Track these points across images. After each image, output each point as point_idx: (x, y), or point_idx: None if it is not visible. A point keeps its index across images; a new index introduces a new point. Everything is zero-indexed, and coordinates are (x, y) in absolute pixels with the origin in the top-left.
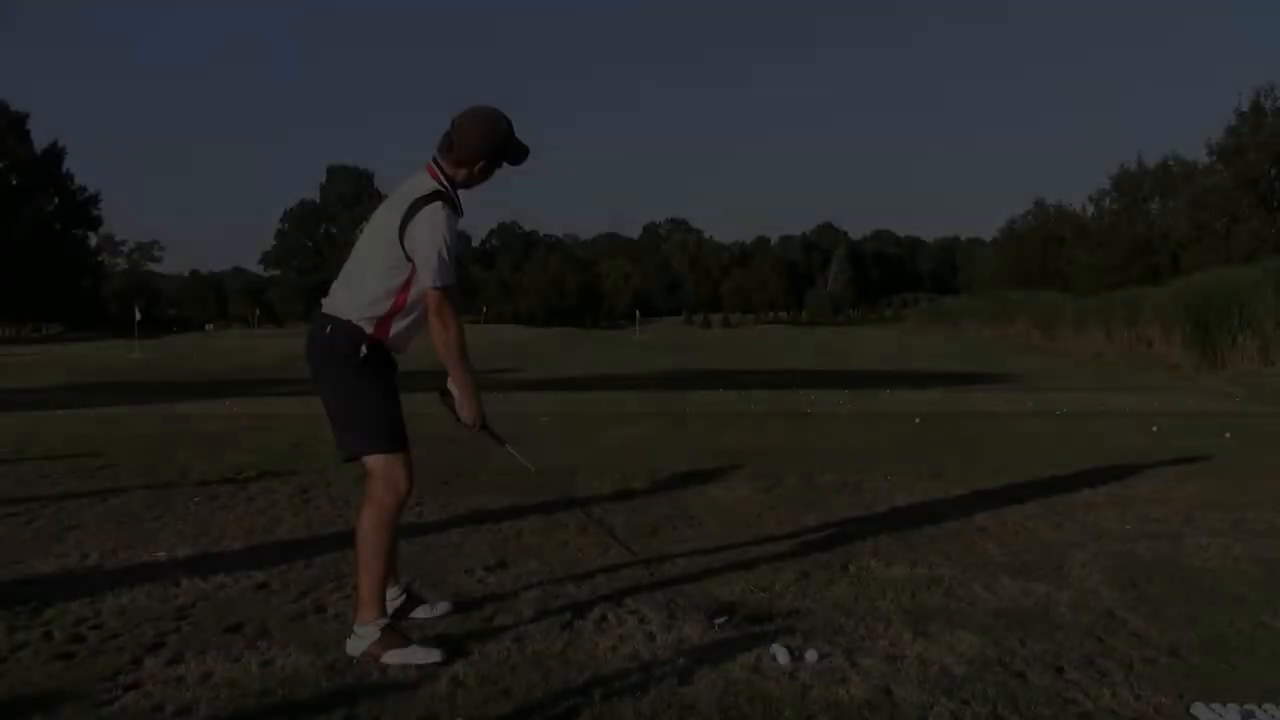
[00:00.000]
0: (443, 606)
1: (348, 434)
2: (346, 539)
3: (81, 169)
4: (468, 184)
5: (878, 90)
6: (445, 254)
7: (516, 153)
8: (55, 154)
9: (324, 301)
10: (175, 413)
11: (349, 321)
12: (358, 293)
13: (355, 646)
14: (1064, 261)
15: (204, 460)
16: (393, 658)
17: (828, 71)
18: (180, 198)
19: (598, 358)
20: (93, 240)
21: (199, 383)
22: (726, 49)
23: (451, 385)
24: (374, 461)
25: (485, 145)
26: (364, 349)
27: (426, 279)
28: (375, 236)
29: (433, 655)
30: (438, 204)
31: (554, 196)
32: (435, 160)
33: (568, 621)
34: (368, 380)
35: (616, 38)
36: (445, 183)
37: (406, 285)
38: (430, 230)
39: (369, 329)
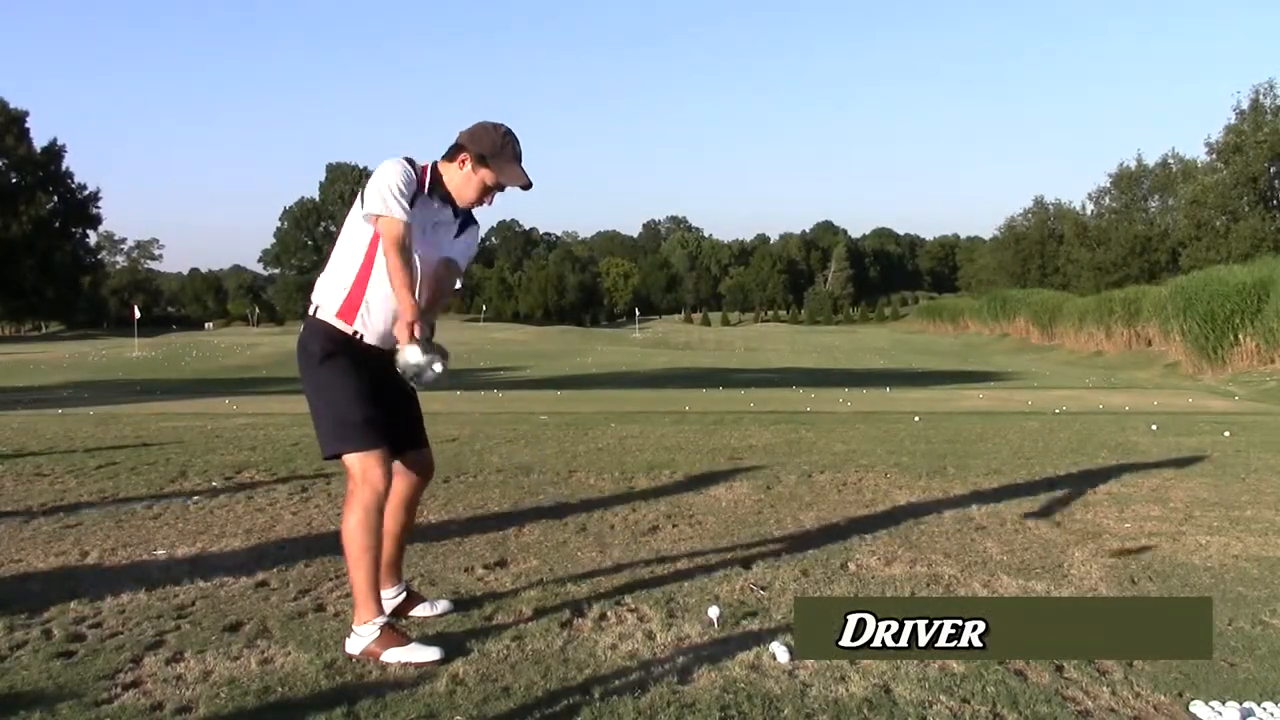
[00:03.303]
0: (443, 605)
1: (323, 433)
2: None
3: (81, 167)
4: (463, 193)
5: (878, 87)
6: (388, 188)
7: (510, 169)
8: (55, 152)
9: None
10: (174, 411)
11: (319, 319)
12: (329, 281)
13: (355, 646)
14: (1063, 260)
15: (203, 459)
16: (392, 656)
17: (828, 69)
18: (181, 195)
19: (597, 356)
20: (92, 238)
21: (198, 381)
22: (728, 46)
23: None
24: (350, 460)
25: (474, 142)
26: (328, 345)
27: (363, 205)
28: (347, 223)
29: (432, 653)
30: (394, 159)
31: (553, 194)
32: (434, 163)
33: (567, 620)
34: (339, 377)
35: (618, 36)
36: (432, 174)
37: (369, 255)
38: (377, 174)
39: (335, 317)
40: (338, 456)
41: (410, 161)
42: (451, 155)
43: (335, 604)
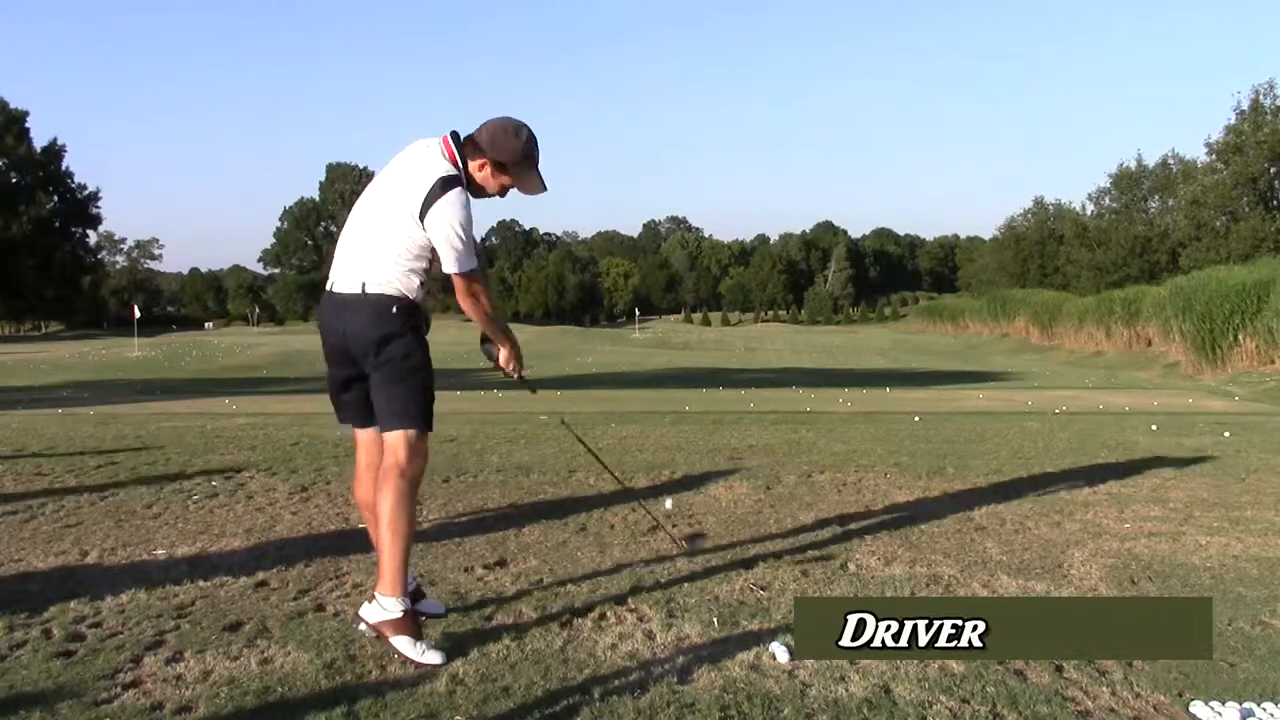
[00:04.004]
0: (441, 608)
1: (414, 409)
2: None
3: (81, 167)
4: (484, 189)
5: (878, 87)
6: (465, 238)
7: (530, 179)
8: (55, 152)
9: (339, 279)
10: (174, 410)
11: (412, 300)
12: (384, 267)
13: (372, 614)
14: (1063, 260)
15: (203, 458)
16: (400, 643)
17: (829, 69)
18: (181, 195)
19: (597, 356)
20: (92, 238)
21: (198, 380)
22: (729, 46)
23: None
24: (416, 438)
25: (494, 148)
26: (422, 327)
27: (450, 267)
28: (391, 212)
29: (435, 658)
30: (458, 189)
31: (553, 195)
32: (456, 139)
33: (567, 620)
34: (421, 353)
35: (618, 36)
36: (460, 166)
37: (428, 269)
38: (452, 215)
39: (410, 299)
40: (401, 430)
41: (456, 178)
42: (472, 155)
43: (335, 604)
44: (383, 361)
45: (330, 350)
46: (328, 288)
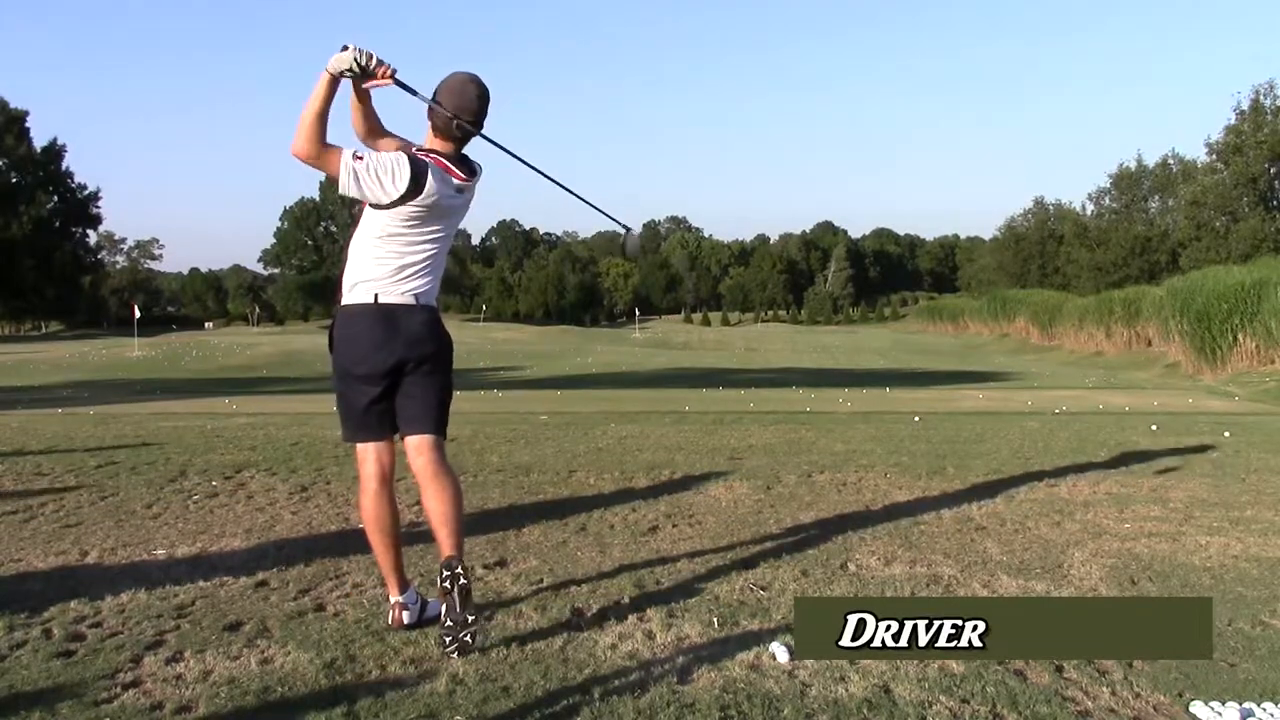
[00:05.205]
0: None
1: (446, 415)
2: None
3: (81, 167)
4: (447, 142)
5: (878, 87)
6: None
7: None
8: (55, 152)
9: (399, 289)
10: (174, 410)
11: (435, 305)
12: (438, 284)
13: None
14: (1063, 260)
15: (203, 458)
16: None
17: (829, 69)
18: (181, 195)
19: (597, 356)
20: (92, 238)
21: (198, 380)
22: (729, 46)
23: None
24: (443, 442)
25: (444, 93)
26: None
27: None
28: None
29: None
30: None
31: (553, 195)
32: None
33: (567, 620)
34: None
35: (617, 36)
36: (424, 150)
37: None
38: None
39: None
40: (440, 434)
41: (416, 160)
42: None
43: (335, 604)
44: (437, 368)
45: (376, 367)
46: (372, 300)
